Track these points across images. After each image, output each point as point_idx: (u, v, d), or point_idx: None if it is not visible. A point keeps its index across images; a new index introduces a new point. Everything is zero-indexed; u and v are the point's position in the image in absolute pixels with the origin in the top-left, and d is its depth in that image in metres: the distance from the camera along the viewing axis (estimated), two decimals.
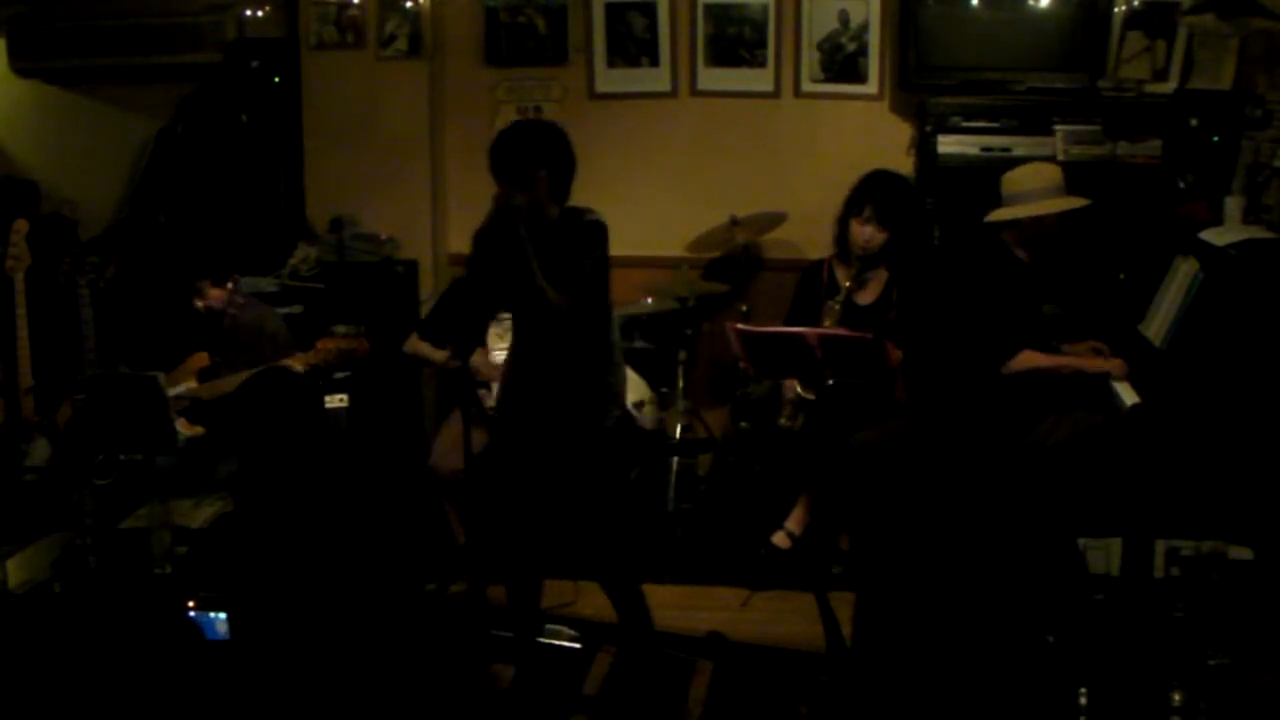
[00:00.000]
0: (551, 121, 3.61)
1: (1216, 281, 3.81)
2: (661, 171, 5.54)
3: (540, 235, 3.43)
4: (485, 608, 4.11)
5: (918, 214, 4.76)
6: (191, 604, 3.58)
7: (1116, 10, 4.96)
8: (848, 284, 4.63)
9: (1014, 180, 4.27)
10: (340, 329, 4.38)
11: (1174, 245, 4.23)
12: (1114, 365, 4.11)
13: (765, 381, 4.77)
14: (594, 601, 4.06)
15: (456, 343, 3.88)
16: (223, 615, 3.57)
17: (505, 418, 3.75)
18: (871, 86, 5.34)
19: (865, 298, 4.66)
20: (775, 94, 5.42)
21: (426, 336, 4.69)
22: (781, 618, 4.21)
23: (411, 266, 5.46)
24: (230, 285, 4.63)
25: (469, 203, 5.54)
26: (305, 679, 3.60)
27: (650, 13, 5.40)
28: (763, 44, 5.38)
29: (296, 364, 4.30)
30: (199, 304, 4.58)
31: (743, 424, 4.93)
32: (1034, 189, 4.21)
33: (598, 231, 3.50)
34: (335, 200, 5.45)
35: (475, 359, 4.51)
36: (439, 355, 4.61)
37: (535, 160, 3.45)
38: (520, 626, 3.80)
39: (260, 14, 5.53)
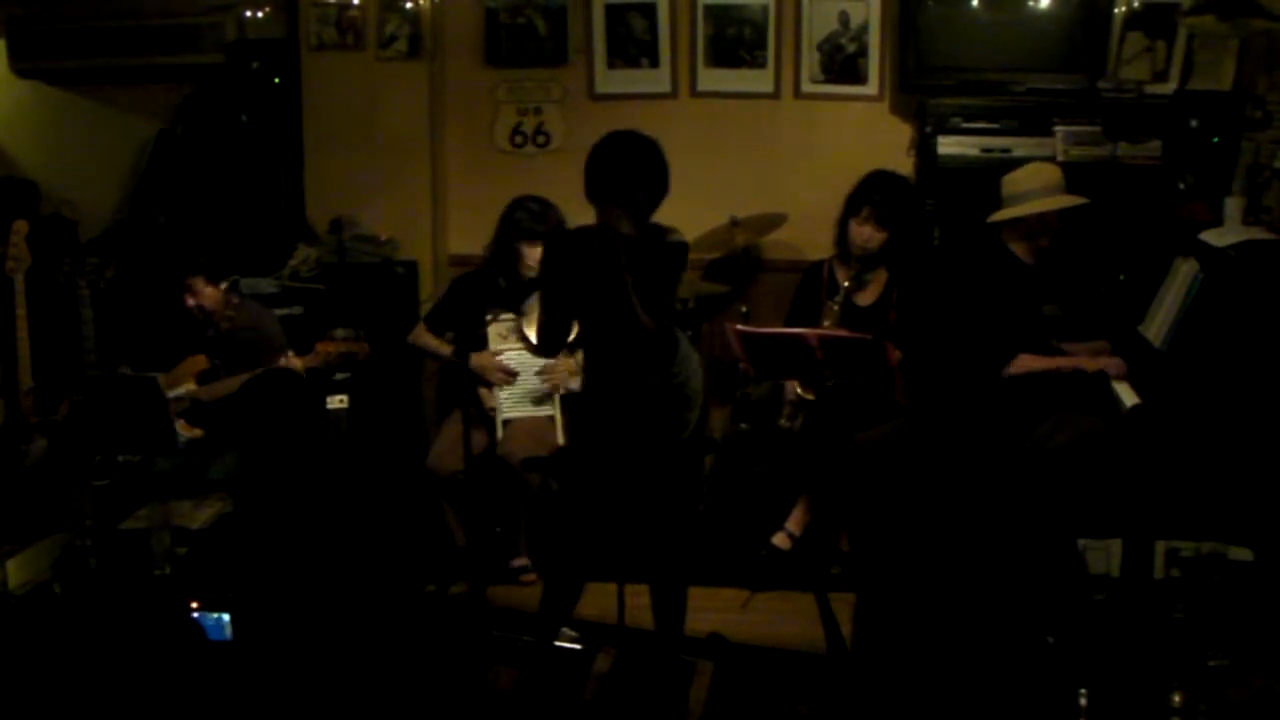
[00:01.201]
0: (646, 136, 3.48)
1: (1216, 282, 3.81)
2: None
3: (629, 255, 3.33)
4: (485, 608, 4.11)
5: (918, 215, 4.77)
6: (195, 605, 3.58)
7: (1116, 11, 4.96)
8: (847, 284, 4.63)
9: (1014, 181, 4.27)
10: (340, 332, 4.38)
11: (1174, 246, 4.23)
12: (1111, 364, 4.10)
13: (765, 382, 4.77)
14: (594, 601, 4.06)
15: (553, 350, 3.80)
16: (226, 616, 3.56)
17: (588, 431, 3.70)
18: (871, 87, 5.34)
19: (865, 298, 4.66)
20: (775, 95, 5.42)
21: (434, 329, 4.70)
22: (782, 618, 4.21)
23: (411, 267, 5.46)
24: (225, 286, 4.63)
25: (469, 203, 5.56)
26: (305, 680, 3.60)
27: (650, 14, 5.40)
28: (762, 45, 5.38)
29: (296, 365, 4.30)
30: (190, 302, 4.56)
31: (743, 425, 4.92)
32: (1034, 188, 4.21)
33: (682, 254, 3.45)
34: (335, 201, 5.45)
35: (477, 358, 4.51)
36: (446, 349, 4.62)
37: (637, 180, 3.37)
38: (547, 630, 3.77)
39: (260, 15, 5.52)
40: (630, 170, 3.37)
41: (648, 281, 3.33)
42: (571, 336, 3.66)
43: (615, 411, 3.52)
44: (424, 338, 4.69)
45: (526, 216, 4.49)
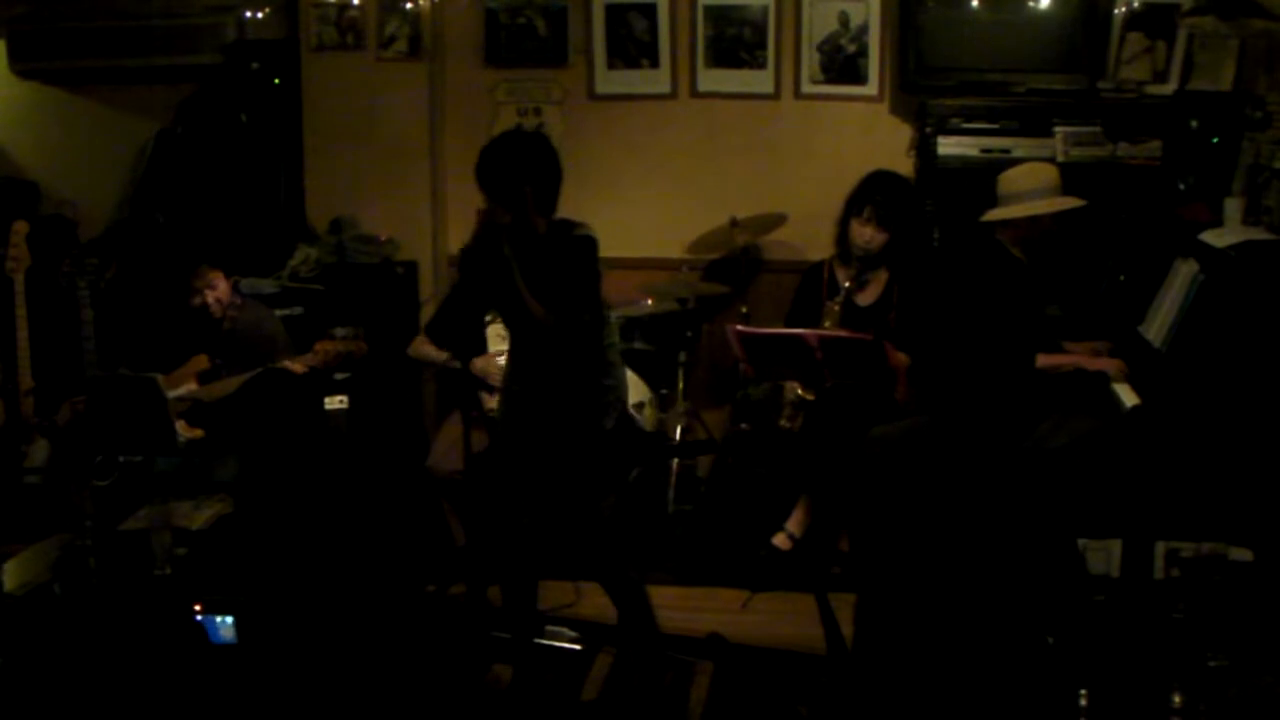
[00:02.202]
0: (537, 133, 3.61)
1: (1216, 283, 3.82)
2: (661, 173, 5.54)
3: (528, 249, 3.43)
4: (485, 608, 4.11)
5: (918, 215, 4.77)
6: (199, 607, 3.58)
7: (1116, 11, 4.96)
8: (848, 285, 4.63)
9: (1009, 180, 4.26)
10: (339, 331, 4.38)
11: (1174, 247, 4.23)
12: (1112, 365, 4.10)
13: (765, 382, 4.77)
14: (594, 602, 4.06)
15: (457, 347, 3.89)
16: (229, 619, 3.56)
17: (504, 423, 3.76)
18: (871, 88, 5.34)
19: (865, 299, 4.66)
20: (775, 95, 5.42)
21: (433, 339, 4.69)
22: (782, 619, 4.21)
23: (411, 267, 5.46)
24: (231, 283, 4.64)
25: (469, 203, 5.51)
26: (305, 679, 3.60)
27: (650, 14, 5.40)
28: (763, 45, 5.38)
29: (296, 366, 4.30)
30: (207, 295, 4.57)
31: (743, 425, 4.92)
32: (1029, 189, 4.20)
33: (587, 246, 3.49)
34: (335, 201, 5.46)
35: (479, 362, 4.51)
36: (444, 357, 4.62)
37: (520, 176, 3.43)
38: (517, 627, 3.80)
39: (260, 15, 5.53)
40: (507, 166, 3.44)
41: (552, 275, 3.42)
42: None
43: (529, 400, 3.60)
44: (424, 349, 4.69)
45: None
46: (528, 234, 3.46)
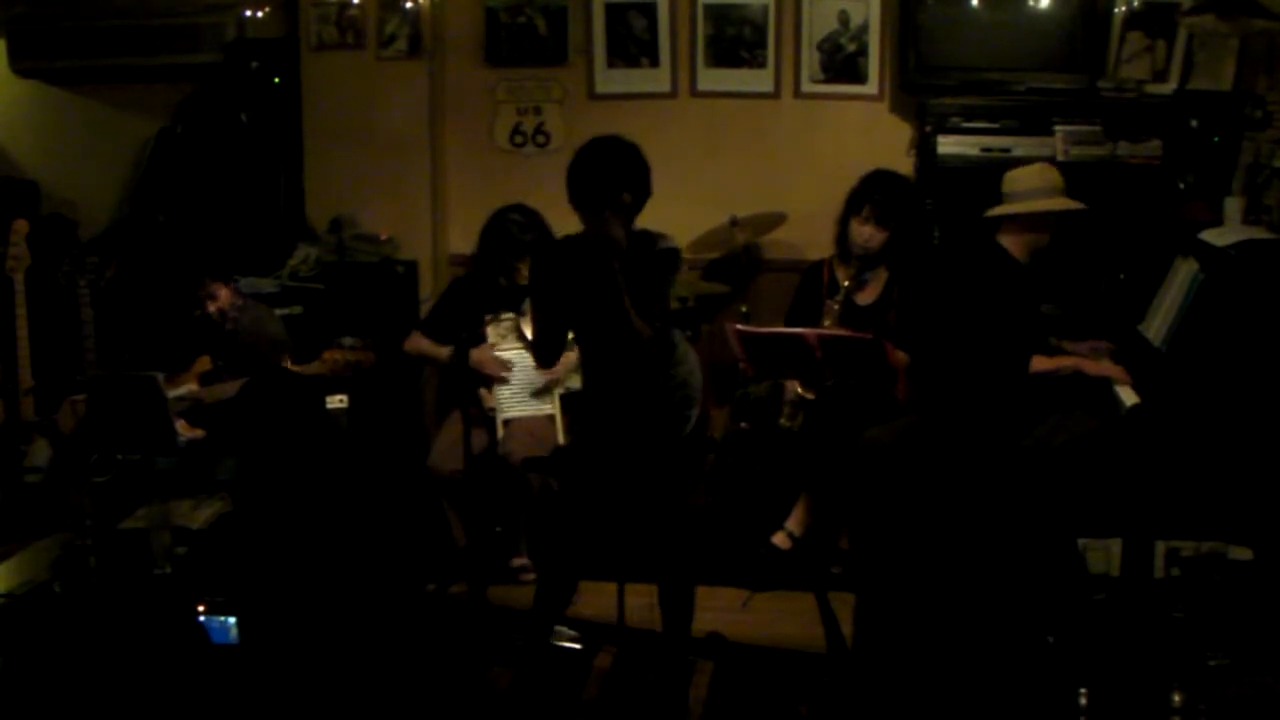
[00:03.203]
0: (627, 140, 3.45)
1: (1216, 282, 3.81)
2: (661, 172, 5.42)
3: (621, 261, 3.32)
4: (485, 608, 4.11)
5: (918, 214, 4.76)
6: (202, 609, 3.58)
7: (1116, 10, 4.96)
8: (848, 284, 4.63)
9: (1016, 179, 4.26)
10: (347, 340, 4.38)
11: (1174, 246, 4.23)
12: (1115, 371, 4.07)
13: (765, 382, 4.77)
14: (594, 601, 4.06)
15: (554, 361, 3.80)
16: (232, 620, 3.56)
17: (589, 433, 3.70)
18: (871, 87, 5.34)
19: (865, 298, 4.66)
20: (775, 94, 5.42)
21: (430, 334, 4.69)
22: (782, 618, 4.21)
23: (411, 266, 5.46)
24: (233, 285, 4.64)
25: (469, 203, 5.55)
26: (305, 679, 3.60)
27: (650, 13, 5.40)
28: (763, 44, 5.38)
29: (303, 373, 4.31)
30: (209, 305, 4.57)
31: (743, 424, 4.92)
32: (1036, 187, 4.20)
33: (674, 259, 3.43)
34: (335, 200, 5.46)
35: (476, 354, 4.50)
36: (443, 352, 4.61)
37: (623, 183, 3.34)
38: (542, 630, 3.77)
39: (260, 14, 5.53)
40: (616, 174, 3.34)
41: (640, 287, 3.33)
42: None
43: (615, 414, 3.53)
44: (420, 343, 4.69)
45: (515, 229, 4.49)
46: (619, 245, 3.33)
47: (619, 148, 3.42)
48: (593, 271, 3.29)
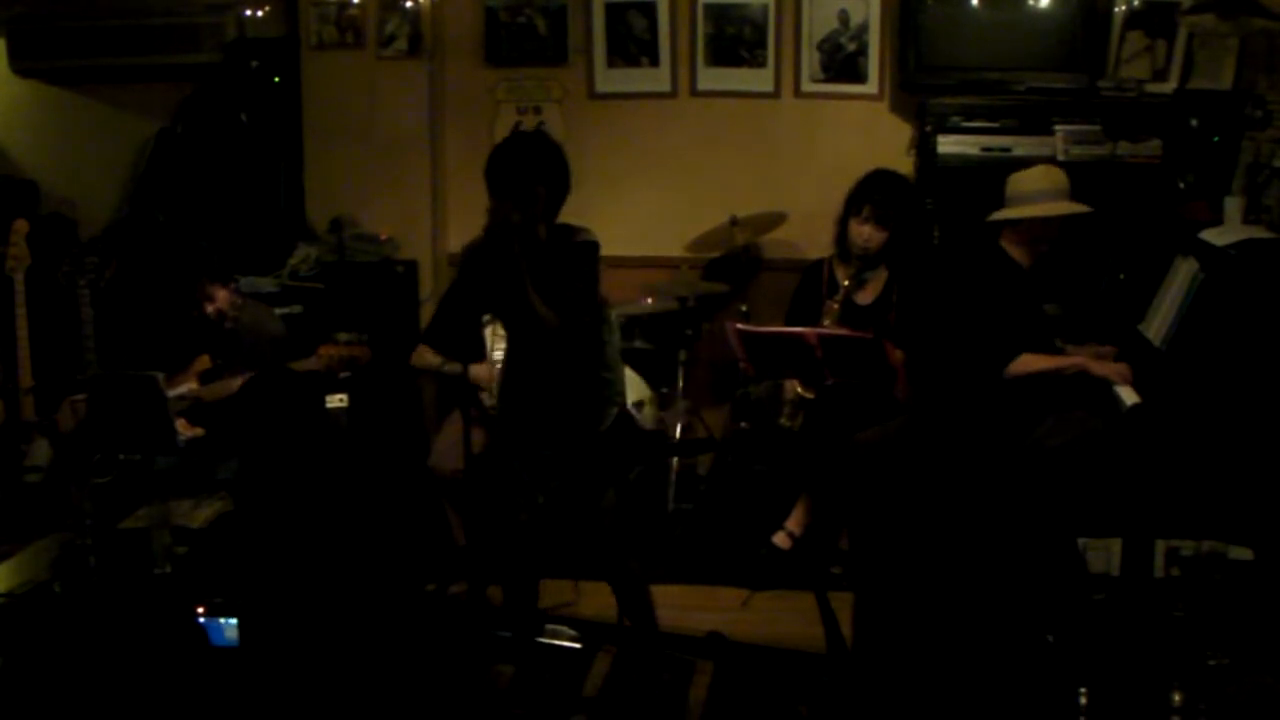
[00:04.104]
0: (549, 136, 3.54)
1: (1216, 281, 3.81)
2: (661, 172, 5.54)
3: (530, 253, 3.39)
4: (485, 608, 4.11)
5: (917, 213, 4.77)
6: (201, 610, 3.58)
7: (1116, 10, 4.96)
8: (847, 283, 4.63)
9: (1019, 181, 4.25)
10: (342, 336, 4.38)
11: (1174, 245, 4.23)
12: (1117, 371, 4.07)
13: (765, 381, 4.77)
14: (594, 601, 4.06)
15: (455, 350, 3.86)
16: (233, 621, 3.56)
17: (503, 423, 3.75)
18: (871, 86, 5.34)
19: (865, 297, 4.66)
20: (775, 94, 5.42)
21: (432, 344, 4.68)
22: (781, 618, 4.21)
23: (411, 266, 5.46)
24: (233, 285, 4.63)
25: (469, 203, 5.54)
26: (305, 679, 3.60)
27: (650, 13, 5.40)
28: (763, 44, 5.38)
29: (297, 369, 4.30)
30: (209, 309, 4.56)
31: (743, 424, 4.93)
32: (1040, 190, 4.19)
33: (590, 252, 3.47)
34: (335, 200, 5.46)
35: (475, 369, 4.50)
36: (454, 367, 4.59)
37: (535, 176, 3.39)
38: (518, 626, 3.80)
39: (260, 14, 5.52)
40: (522, 164, 3.40)
41: (553, 279, 3.38)
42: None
43: (528, 405, 3.59)
44: (426, 356, 4.67)
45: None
46: (531, 237, 3.42)
47: (534, 142, 3.53)
48: (497, 259, 3.35)
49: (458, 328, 3.64)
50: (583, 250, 3.47)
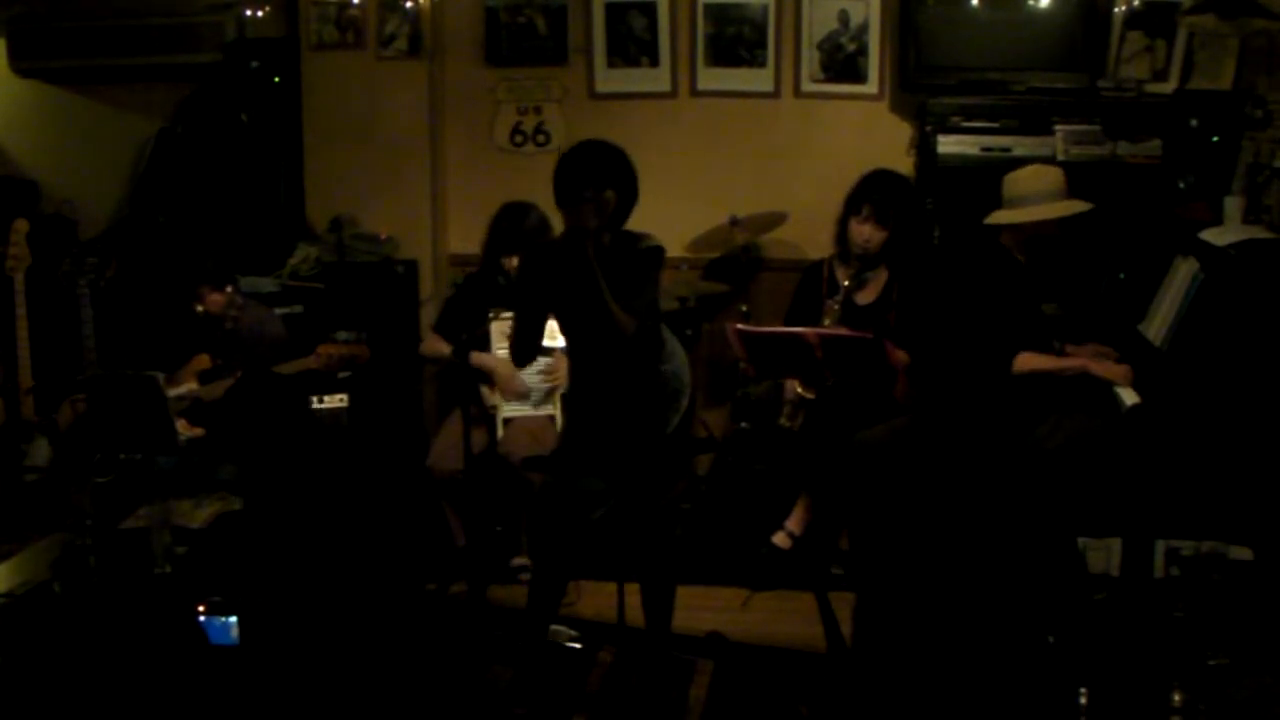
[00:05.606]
0: (615, 144, 3.50)
1: (1216, 282, 3.81)
2: (661, 171, 5.49)
3: (599, 258, 3.35)
4: (485, 608, 4.11)
5: (917, 213, 4.77)
6: (202, 609, 3.58)
7: (1116, 10, 4.96)
8: (847, 283, 4.63)
9: (1016, 182, 4.25)
10: (341, 335, 4.38)
11: (1174, 245, 4.23)
12: (1120, 373, 4.06)
13: (765, 382, 4.77)
14: (594, 601, 4.06)
15: (527, 357, 3.81)
16: (233, 619, 3.56)
17: (574, 429, 3.72)
18: (871, 86, 5.34)
19: (865, 297, 4.66)
20: (775, 94, 5.42)
21: (443, 333, 4.68)
22: (782, 618, 4.21)
23: (411, 266, 5.46)
24: (230, 289, 4.63)
25: (469, 203, 5.56)
26: (305, 679, 3.60)
27: (650, 13, 5.40)
28: (763, 44, 5.38)
29: (295, 368, 4.30)
30: (198, 309, 4.57)
31: (743, 424, 4.93)
32: (1036, 191, 4.19)
33: (656, 258, 3.47)
34: (335, 200, 5.45)
35: (479, 356, 4.50)
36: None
37: (605, 181, 3.38)
38: (538, 628, 3.78)
39: (260, 14, 5.52)
40: (596, 171, 3.38)
41: (624, 285, 3.37)
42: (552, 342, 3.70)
43: (602, 409, 3.57)
44: (436, 345, 4.67)
45: (508, 227, 4.52)
46: (597, 244, 3.38)
47: (602, 148, 3.48)
48: (572, 265, 3.34)
49: (526, 333, 3.56)
50: (649, 256, 3.47)
